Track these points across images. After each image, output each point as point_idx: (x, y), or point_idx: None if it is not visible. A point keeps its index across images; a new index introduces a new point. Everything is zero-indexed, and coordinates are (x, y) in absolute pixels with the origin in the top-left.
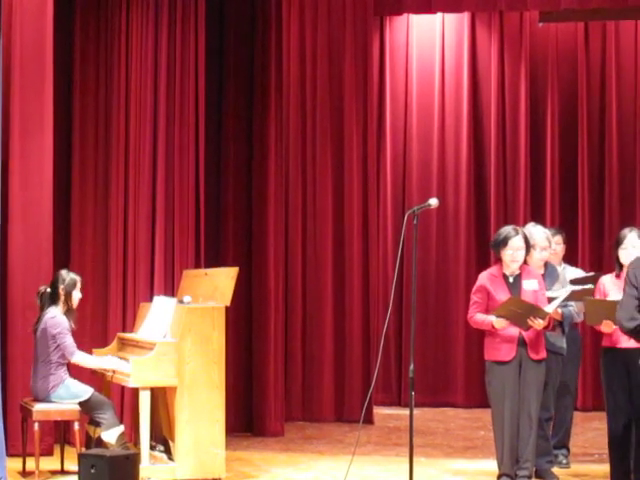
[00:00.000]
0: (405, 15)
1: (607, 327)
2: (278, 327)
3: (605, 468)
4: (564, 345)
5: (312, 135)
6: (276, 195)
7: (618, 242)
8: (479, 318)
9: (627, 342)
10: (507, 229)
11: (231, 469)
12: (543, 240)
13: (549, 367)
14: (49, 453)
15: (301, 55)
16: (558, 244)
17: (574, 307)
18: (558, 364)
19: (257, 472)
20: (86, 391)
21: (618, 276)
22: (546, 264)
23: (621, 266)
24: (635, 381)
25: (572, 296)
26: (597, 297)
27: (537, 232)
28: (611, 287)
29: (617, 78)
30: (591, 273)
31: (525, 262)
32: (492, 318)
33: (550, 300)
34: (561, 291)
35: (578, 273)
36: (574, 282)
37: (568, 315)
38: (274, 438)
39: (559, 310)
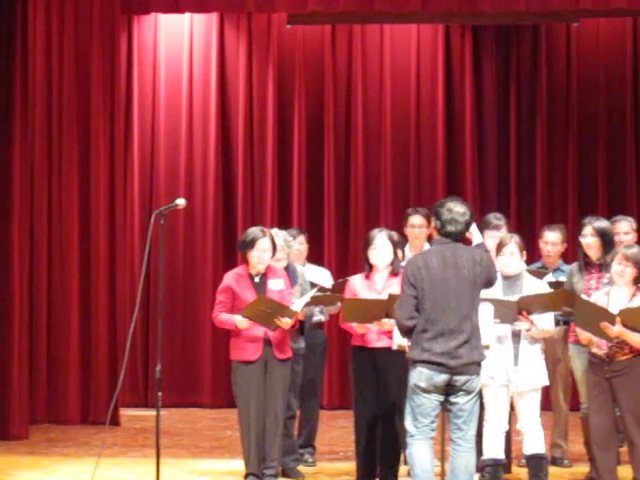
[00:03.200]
0: (153, 14)
1: (360, 329)
2: (22, 328)
3: (350, 465)
4: (302, 345)
5: (58, 134)
6: (21, 195)
7: (368, 243)
8: (223, 318)
9: (377, 342)
10: (254, 230)
11: None
12: (279, 252)
13: (291, 367)
14: None
15: (47, 53)
16: (302, 244)
17: (318, 307)
18: (299, 364)
19: (1, 476)
20: None
21: (367, 276)
22: (288, 265)
23: (371, 266)
24: (383, 380)
25: (319, 298)
26: (347, 297)
27: (277, 241)
28: (361, 287)
29: (363, 80)
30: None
31: None
32: (236, 318)
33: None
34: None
35: (321, 272)
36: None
37: (309, 315)
38: (18, 441)
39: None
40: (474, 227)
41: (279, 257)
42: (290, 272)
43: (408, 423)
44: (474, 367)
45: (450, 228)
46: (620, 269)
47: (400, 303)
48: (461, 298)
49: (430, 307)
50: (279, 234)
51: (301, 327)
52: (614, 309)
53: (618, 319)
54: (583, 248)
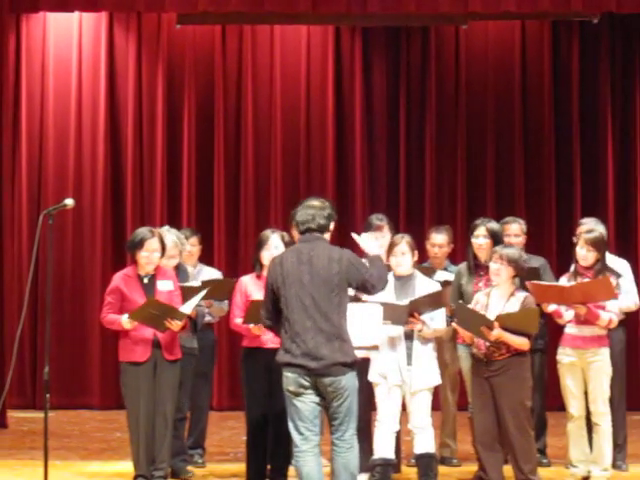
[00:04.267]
0: (42, 13)
1: (258, 330)
2: None
3: (240, 466)
4: (195, 345)
5: None
6: None
7: (261, 243)
8: (111, 318)
9: (270, 343)
10: (143, 231)
11: None
12: (171, 248)
13: (182, 367)
14: None
15: None
16: (194, 245)
17: (204, 307)
18: (191, 364)
19: None
20: None
21: (259, 277)
22: (178, 265)
23: (262, 267)
24: (275, 381)
25: (213, 289)
26: (238, 297)
27: (168, 239)
28: (253, 288)
29: (253, 80)
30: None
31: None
32: (122, 318)
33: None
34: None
35: (214, 273)
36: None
37: (201, 314)
38: None
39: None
40: (365, 239)
41: (172, 254)
42: (180, 272)
43: (291, 431)
44: (338, 368)
45: (299, 220)
46: (496, 267)
47: (264, 302)
48: (317, 296)
49: (285, 304)
50: (171, 231)
51: (194, 325)
52: (493, 309)
53: (496, 324)
54: (474, 249)
